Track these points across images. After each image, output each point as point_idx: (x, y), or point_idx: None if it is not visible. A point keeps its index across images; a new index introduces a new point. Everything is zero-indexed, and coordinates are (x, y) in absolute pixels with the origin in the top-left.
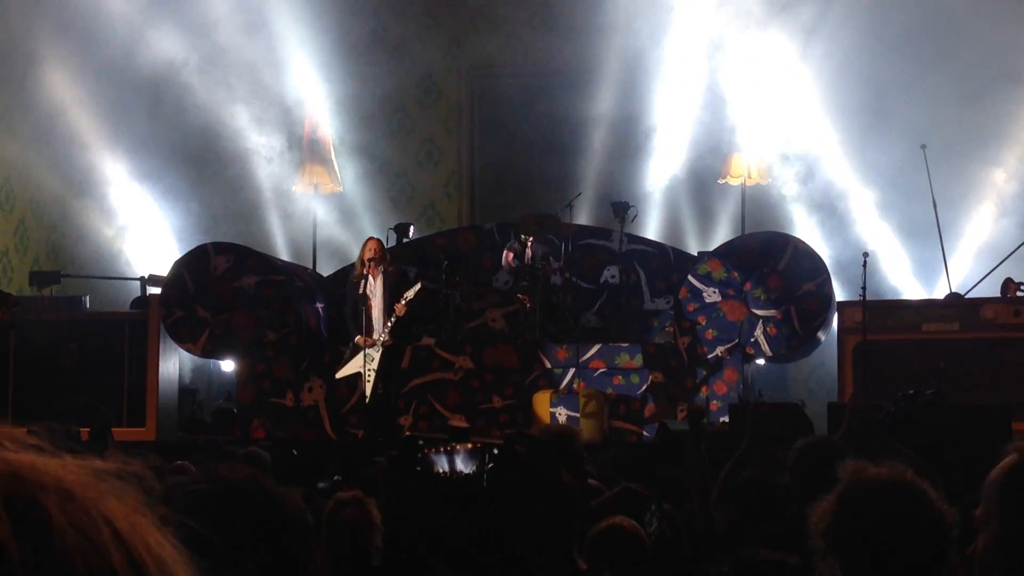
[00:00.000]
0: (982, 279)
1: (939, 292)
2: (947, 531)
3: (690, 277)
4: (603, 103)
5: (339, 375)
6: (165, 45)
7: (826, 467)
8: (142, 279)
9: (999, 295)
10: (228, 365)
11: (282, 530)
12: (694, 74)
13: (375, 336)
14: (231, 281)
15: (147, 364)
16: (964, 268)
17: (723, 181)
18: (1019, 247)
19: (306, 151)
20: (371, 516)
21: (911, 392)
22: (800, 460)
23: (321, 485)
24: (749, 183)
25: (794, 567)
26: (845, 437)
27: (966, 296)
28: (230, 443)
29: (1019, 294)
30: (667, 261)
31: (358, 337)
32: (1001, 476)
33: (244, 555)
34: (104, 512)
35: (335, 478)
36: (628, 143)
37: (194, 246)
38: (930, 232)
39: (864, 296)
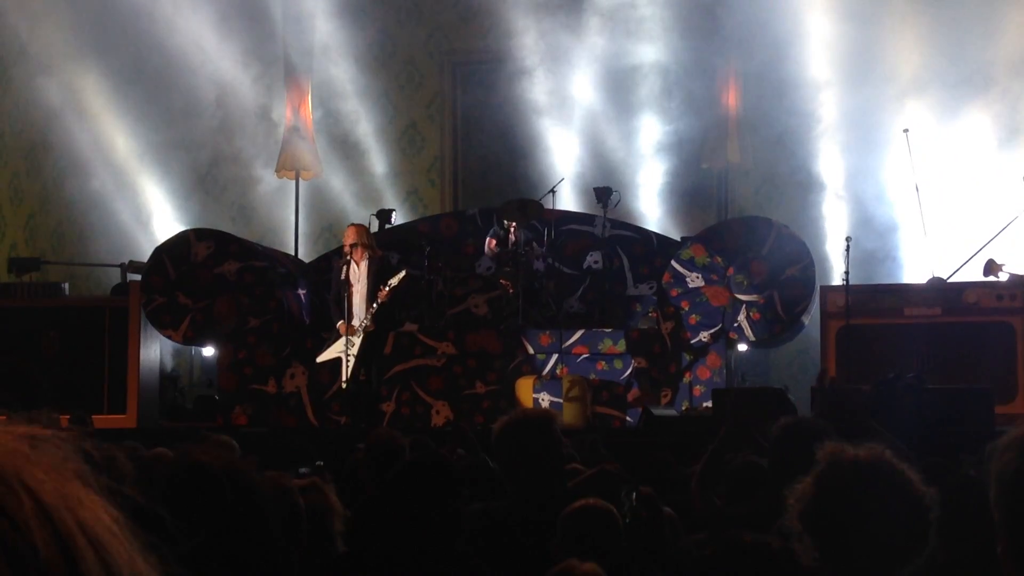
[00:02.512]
0: (964, 263)
1: (922, 276)
2: (926, 513)
3: (673, 262)
4: (586, 89)
5: (320, 359)
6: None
7: (806, 448)
8: (122, 265)
9: (981, 276)
10: (209, 352)
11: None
12: (677, 61)
13: (356, 323)
14: (212, 267)
15: (128, 351)
16: (947, 252)
17: (706, 166)
18: (1000, 231)
19: (287, 136)
20: (330, 502)
21: (892, 375)
22: (780, 440)
23: (303, 471)
24: (732, 167)
25: (777, 549)
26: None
27: (948, 280)
28: (212, 430)
29: (1002, 274)
30: (650, 246)
31: (340, 324)
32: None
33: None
34: (28, 482)
35: (317, 463)
36: (612, 129)
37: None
38: (913, 216)
39: (847, 281)
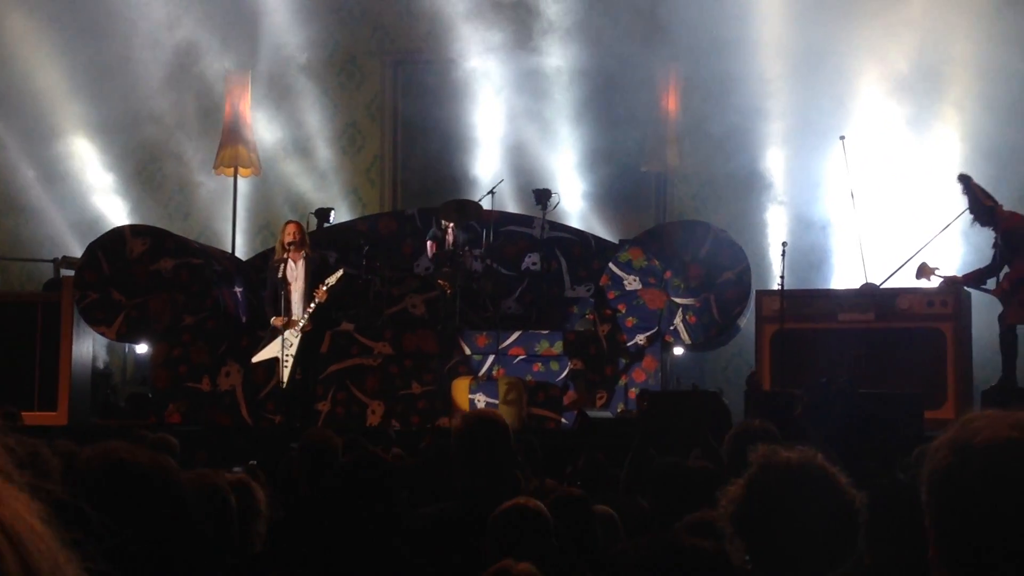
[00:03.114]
0: (897, 270)
1: (856, 282)
2: (855, 516)
3: (611, 265)
4: (526, 91)
5: (256, 359)
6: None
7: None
8: (55, 261)
9: (914, 279)
10: (143, 349)
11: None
12: (619, 64)
13: (294, 318)
14: (148, 264)
15: (60, 347)
16: (881, 258)
17: (646, 169)
18: (933, 238)
19: (226, 133)
20: (257, 502)
21: (824, 380)
22: (733, 447)
23: (236, 470)
24: (672, 171)
25: (713, 553)
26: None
27: (881, 286)
28: (145, 428)
29: (934, 278)
30: (588, 249)
31: (275, 318)
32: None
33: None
34: None
35: (251, 463)
36: (552, 131)
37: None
38: (848, 222)
39: (782, 285)
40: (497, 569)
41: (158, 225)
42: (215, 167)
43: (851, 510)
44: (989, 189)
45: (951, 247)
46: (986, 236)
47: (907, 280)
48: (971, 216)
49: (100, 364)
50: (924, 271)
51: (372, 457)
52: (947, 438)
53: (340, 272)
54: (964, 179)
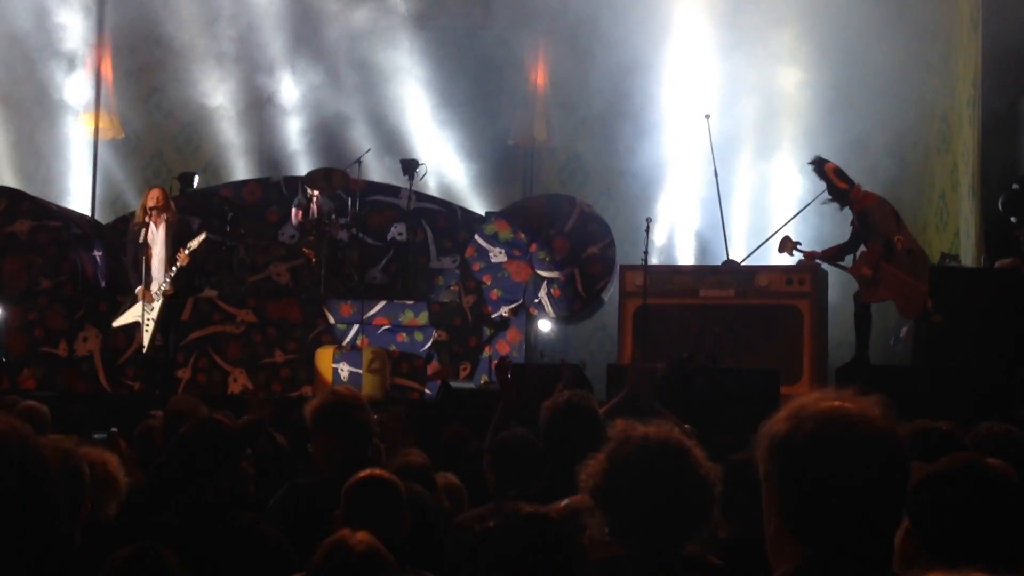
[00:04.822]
0: (757, 248)
1: (718, 258)
2: (710, 489)
3: (477, 237)
4: (396, 60)
5: (116, 323)
6: None
7: (580, 427)
8: None
9: (777, 252)
10: None
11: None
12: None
13: (155, 287)
14: (3, 226)
15: None
16: (743, 236)
17: (513, 143)
18: (793, 216)
19: (87, 93)
20: (114, 470)
21: (686, 355)
22: (552, 421)
23: (96, 437)
24: (540, 145)
25: (557, 522)
26: (627, 399)
27: (742, 263)
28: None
29: (796, 252)
30: (455, 220)
31: (139, 289)
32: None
33: None
34: None
35: (111, 430)
36: (421, 101)
37: None
38: (712, 199)
39: (645, 261)
40: (333, 539)
41: (14, 186)
42: (75, 127)
43: (707, 483)
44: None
45: (814, 223)
46: (847, 213)
47: (768, 258)
48: (829, 198)
49: None
50: (786, 245)
51: (213, 423)
52: (783, 412)
53: (203, 236)
54: (817, 163)
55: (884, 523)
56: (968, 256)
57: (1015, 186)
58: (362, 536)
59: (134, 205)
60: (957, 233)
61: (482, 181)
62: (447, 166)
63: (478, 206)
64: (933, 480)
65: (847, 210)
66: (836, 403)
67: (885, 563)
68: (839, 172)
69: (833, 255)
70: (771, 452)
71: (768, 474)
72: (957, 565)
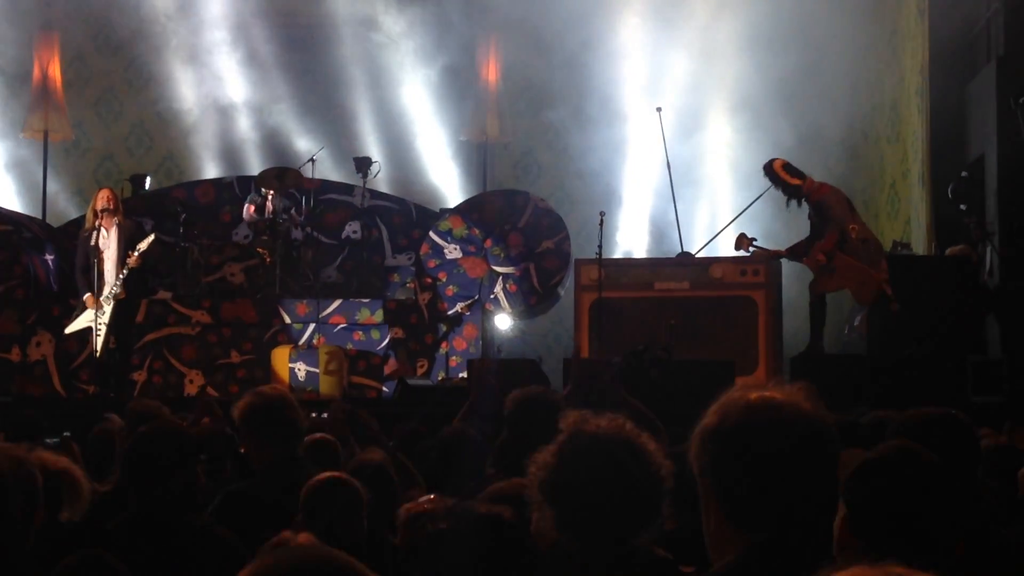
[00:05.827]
0: (711, 239)
1: (673, 251)
2: (661, 484)
3: (431, 233)
4: (349, 56)
5: (69, 330)
6: None
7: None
8: None
9: (733, 250)
10: None
11: None
12: (439, 33)
13: (107, 290)
14: None
15: None
16: (697, 228)
17: (465, 139)
18: (745, 209)
19: (35, 95)
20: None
21: (641, 348)
22: (515, 412)
23: (49, 442)
24: (493, 141)
25: (511, 520)
26: (572, 393)
27: (696, 255)
28: None
29: (752, 248)
30: (409, 217)
31: (87, 297)
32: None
33: None
34: None
35: (64, 434)
36: (373, 98)
37: None
38: (665, 192)
39: (600, 254)
40: (276, 542)
41: None
42: (24, 131)
43: (657, 478)
44: None
45: (768, 217)
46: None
47: (721, 250)
48: (785, 198)
49: None
50: (742, 242)
51: (170, 427)
52: (712, 407)
53: (152, 237)
54: (767, 168)
55: (819, 507)
56: (919, 244)
57: (964, 174)
58: (304, 538)
59: (85, 208)
60: (908, 221)
61: (436, 177)
62: (401, 163)
63: (432, 203)
64: (866, 467)
65: (802, 203)
66: (761, 392)
67: (825, 549)
68: (788, 167)
69: (799, 252)
70: (702, 445)
71: (703, 468)
72: (886, 553)
